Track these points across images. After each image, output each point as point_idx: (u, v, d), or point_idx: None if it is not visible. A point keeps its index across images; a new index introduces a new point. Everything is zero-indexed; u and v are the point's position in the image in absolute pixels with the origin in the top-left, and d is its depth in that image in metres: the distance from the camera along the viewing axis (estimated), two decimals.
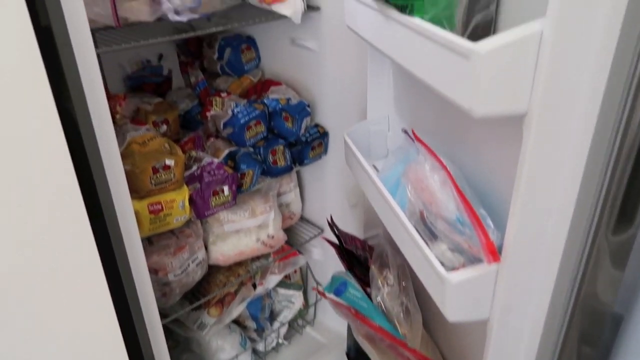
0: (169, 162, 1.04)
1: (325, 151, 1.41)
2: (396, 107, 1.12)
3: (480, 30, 0.69)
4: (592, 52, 0.53)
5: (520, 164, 0.60)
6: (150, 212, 1.04)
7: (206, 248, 1.34)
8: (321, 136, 1.36)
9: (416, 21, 0.66)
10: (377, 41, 0.84)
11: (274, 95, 1.32)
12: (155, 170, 1.02)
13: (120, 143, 1.04)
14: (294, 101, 1.31)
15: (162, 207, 1.05)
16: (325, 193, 1.49)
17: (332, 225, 1.23)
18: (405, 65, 0.74)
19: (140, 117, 1.22)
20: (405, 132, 1.03)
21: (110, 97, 1.12)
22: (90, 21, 1.02)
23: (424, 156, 0.81)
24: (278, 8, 1.16)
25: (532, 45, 0.53)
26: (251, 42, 1.44)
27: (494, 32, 0.71)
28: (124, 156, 1.02)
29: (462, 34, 0.69)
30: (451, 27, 0.68)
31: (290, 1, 1.14)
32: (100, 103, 0.78)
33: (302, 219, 1.61)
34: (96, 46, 1.13)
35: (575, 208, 0.62)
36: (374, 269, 1.03)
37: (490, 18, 0.69)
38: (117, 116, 1.09)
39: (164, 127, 1.25)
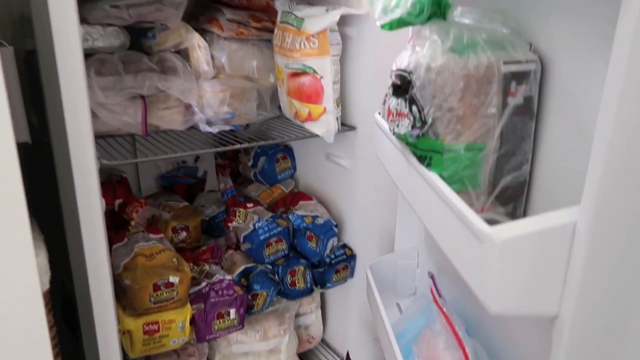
0: (173, 279, 0.97)
1: (352, 274, 1.30)
2: (426, 244, 1.01)
3: (511, 191, 0.59)
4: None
5: None
6: (145, 332, 0.96)
7: None
8: (348, 259, 1.26)
9: (433, 177, 0.57)
10: (398, 180, 0.76)
11: (301, 211, 1.25)
12: (156, 288, 0.95)
13: (127, 254, 0.99)
14: (320, 220, 1.23)
15: (158, 327, 0.97)
16: (349, 319, 1.36)
17: None
18: (422, 218, 0.65)
19: (160, 224, 1.18)
20: (432, 278, 0.91)
21: (129, 201, 1.10)
22: (116, 129, 1.03)
23: (441, 324, 0.69)
24: (311, 127, 1.12)
25: (563, 238, 0.42)
26: (288, 152, 1.41)
27: (528, 195, 0.60)
28: (127, 269, 0.97)
29: (489, 195, 0.59)
30: (474, 187, 0.58)
31: (324, 121, 1.10)
32: (97, 228, 0.74)
33: (323, 341, 1.47)
34: (135, 156, 1.14)
35: None
36: None
37: (523, 179, 0.59)
38: (132, 223, 1.05)
39: (183, 234, 1.21)
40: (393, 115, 0.71)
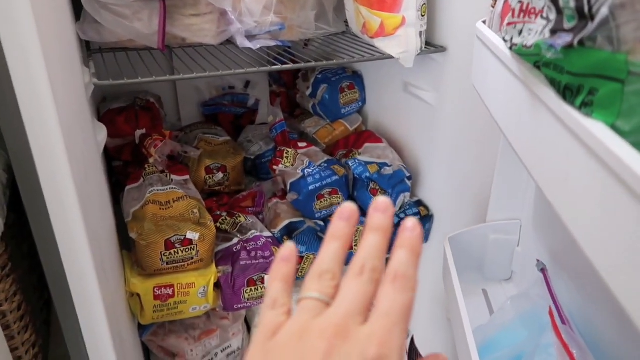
0: (192, 235, 0.77)
1: (426, 239, 1.03)
2: (536, 220, 0.71)
3: None
4: None
5: None
6: (156, 297, 0.78)
7: (249, 331, 1.05)
8: (422, 219, 0.99)
9: (594, 128, 0.28)
10: (509, 129, 0.47)
11: (366, 156, 0.98)
12: (169, 245, 0.75)
13: (138, 199, 0.80)
14: (389, 170, 0.96)
15: (173, 292, 0.78)
16: (420, 293, 1.10)
17: (411, 352, 0.86)
18: (549, 196, 0.36)
19: (190, 163, 0.96)
20: (543, 271, 0.62)
21: (147, 134, 0.89)
22: (128, 41, 0.80)
23: (558, 350, 0.42)
24: (383, 44, 0.82)
25: None
26: (356, 80, 1.12)
27: None
28: (136, 218, 0.78)
29: None
30: None
31: (401, 36, 0.80)
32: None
33: None
34: (172, 72, 0.90)
35: None
36: None
37: None
38: (150, 160, 0.85)
39: (220, 176, 0.99)
40: (514, 15, 0.40)
